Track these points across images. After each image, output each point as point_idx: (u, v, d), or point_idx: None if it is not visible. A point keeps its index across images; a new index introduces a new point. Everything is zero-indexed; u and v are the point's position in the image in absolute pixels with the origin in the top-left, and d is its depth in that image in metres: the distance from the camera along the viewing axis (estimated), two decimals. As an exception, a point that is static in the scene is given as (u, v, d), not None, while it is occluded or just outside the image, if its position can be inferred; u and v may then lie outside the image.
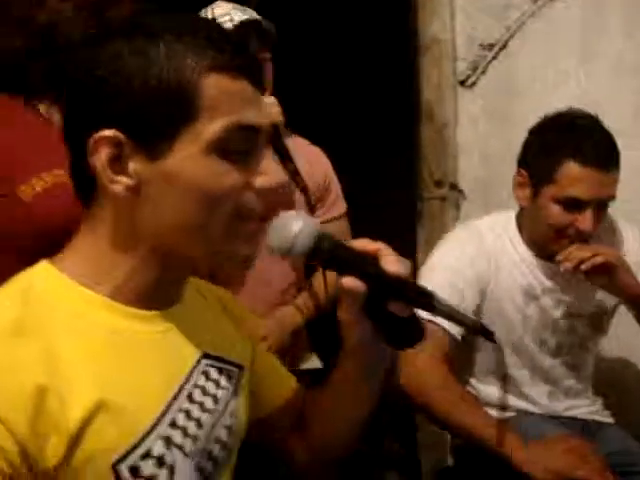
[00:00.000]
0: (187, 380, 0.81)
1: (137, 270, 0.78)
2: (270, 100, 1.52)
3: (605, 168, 1.50)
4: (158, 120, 0.72)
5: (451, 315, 0.79)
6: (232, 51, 0.74)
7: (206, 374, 0.84)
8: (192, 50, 0.73)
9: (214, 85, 0.73)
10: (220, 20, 1.53)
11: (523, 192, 1.61)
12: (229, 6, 1.57)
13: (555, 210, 1.54)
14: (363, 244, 0.79)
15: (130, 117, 0.73)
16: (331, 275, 1.52)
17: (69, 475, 0.70)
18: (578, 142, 1.51)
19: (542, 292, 1.64)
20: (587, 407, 1.73)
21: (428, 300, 0.78)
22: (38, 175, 1.05)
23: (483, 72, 2.32)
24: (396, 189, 2.60)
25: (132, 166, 0.74)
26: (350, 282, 0.77)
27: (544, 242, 1.60)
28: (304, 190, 1.57)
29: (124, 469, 0.73)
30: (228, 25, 1.52)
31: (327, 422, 0.97)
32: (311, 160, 1.69)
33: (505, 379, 1.65)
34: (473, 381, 1.70)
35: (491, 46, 2.28)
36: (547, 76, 2.17)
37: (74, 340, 0.73)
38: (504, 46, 2.25)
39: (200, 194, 0.74)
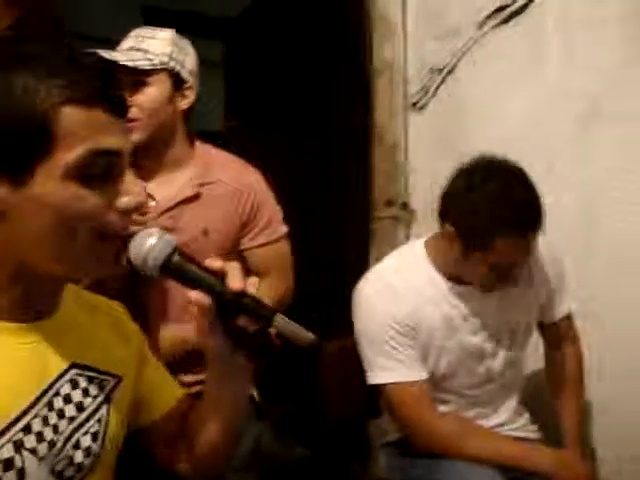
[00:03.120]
0: (49, 388, 0.87)
1: (4, 287, 0.84)
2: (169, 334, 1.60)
3: (534, 231, 1.54)
4: (18, 151, 0.78)
5: (292, 331, 0.85)
6: (86, 82, 0.79)
7: (74, 382, 0.90)
8: (46, 83, 0.78)
9: (68, 116, 0.78)
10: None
11: (451, 245, 1.59)
12: (133, 34, 1.62)
13: (485, 270, 1.57)
14: (211, 262, 0.85)
15: None
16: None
17: None
18: (513, 214, 1.50)
19: (463, 319, 1.66)
20: (515, 423, 1.77)
21: (267, 315, 0.84)
22: None
23: (433, 95, 2.39)
24: (351, 209, 2.65)
25: None
26: (195, 296, 0.84)
27: (461, 273, 1.64)
28: None
29: None
30: (108, 54, 1.52)
31: (201, 431, 1.01)
32: (237, 186, 1.70)
33: None
34: None
35: (440, 70, 2.34)
36: (493, 100, 2.23)
37: None
38: (452, 70, 2.32)
39: (61, 218, 0.80)
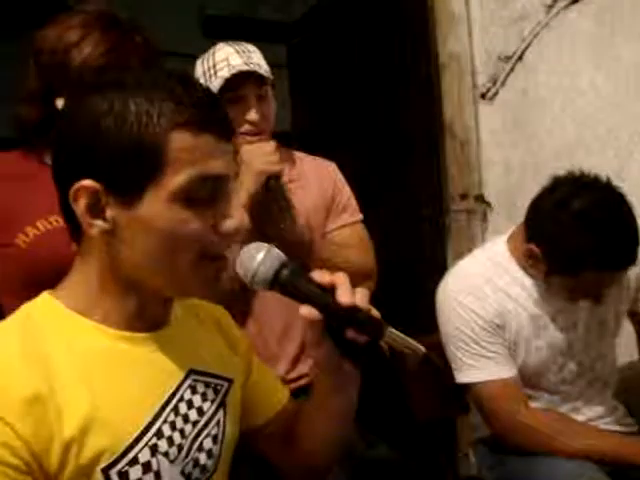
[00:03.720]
0: (174, 394, 0.91)
1: (120, 299, 0.88)
2: (268, 149, 1.54)
3: (625, 268, 1.48)
4: (129, 173, 0.81)
5: (402, 344, 0.86)
6: (195, 107, 0.82)
7: (193, 388, 0.94)
8: (159, 108, 0.81)
9: (178, 140, 0.81)
10: (219, 65, 1.57)
11: (536, 265, 1.55)
12: (230, 50, 1.59)
13: (565, 292, 1.55)
14: (321, 276, 0.86)
15: (105, 170, 0.82)
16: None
17: None
18: (602, 249, 1.42)
19: (551, 318, 1.62)
20: (610, 417, 1.71)
21: (379, 329, 0.85)
22: (33, 223, 1.22)
23: (503, 84, 2.35)
24: (423, 204, 2.62)
25: (109, 212, 0.83)
26: (305, 311, 0.85)
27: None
28: (297, 239, 1.55)
29: (113, 474, 0.82)
30: (225, 72, 1.55)
31: (308, 437, 1.03)
32: (318, 174, 1.71)
33: None
34: None
35: (508, 58, 2.30)
36: (565, 85, 2.18)
37: (68, 361, 0.83)
38: (521, 57, 2.27)
39: (166, 239, 0.83)
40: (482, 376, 1.60)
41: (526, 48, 2.26)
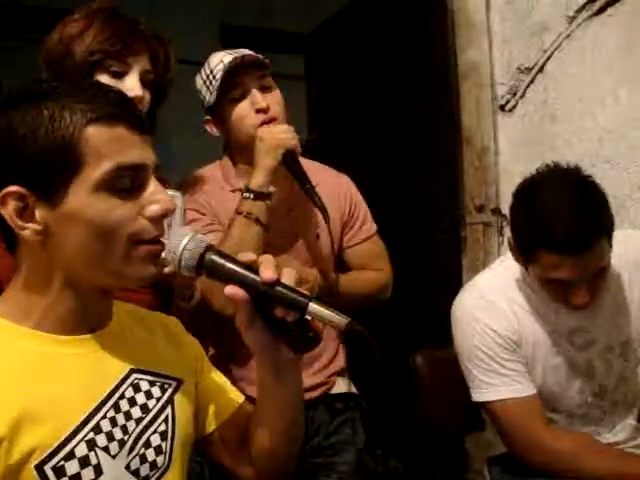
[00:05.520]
0: (113, 392, 0.94)
1: (54, 303, 0.92)
2: (284, 127, 1.57)
3: (581, 252, 1.37)
4: (51, 173, 0.86)
5: (327, 318, 0.86)
6: (105, 104, 0.88)
7: (136, 386, 0.97)
8: (70, 110, 0.87)
9: (93, 135, 0.87)
10: (216, 69, 1.58)
11: (517, 258, 1.52)
12: (222, 53, 1.61)
13: (546, 286, 1.48)
14: (245, 255, 0.91)
15: (28, 173, 0.86)
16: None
17: None
18: (547, 227, 1.37)
19: (569, 334, 1.57)
20: (634, 441, 1.65)
21: (301, 303, 0.86)
22: None
23: (522, 96, 2.32)
24: (437, 214, 2.59)
25: (38, 213, 0.87)
26: (230, 290, 0.88)
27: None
28: (321, 209, 1.57)
29: (48, 470, 0.85)
30: (221, 71, 1.56)
31: (259, 432, 1.04)
32: (334, 187, 1.71)
33: None
34: None
35: (529, 69, 2.27)
36: (587, 97, 2.14)
37: (1, 368, 0.87)
38: (541, 69, 2.24)
39: (96, 228, 0.87)
40: (500, 394, 1.55)
41: (547, 59, 2.23)
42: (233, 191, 1.63)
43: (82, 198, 0.86)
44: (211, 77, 1.59)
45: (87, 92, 0.89)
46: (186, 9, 4.00)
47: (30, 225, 0.87)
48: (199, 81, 1.63)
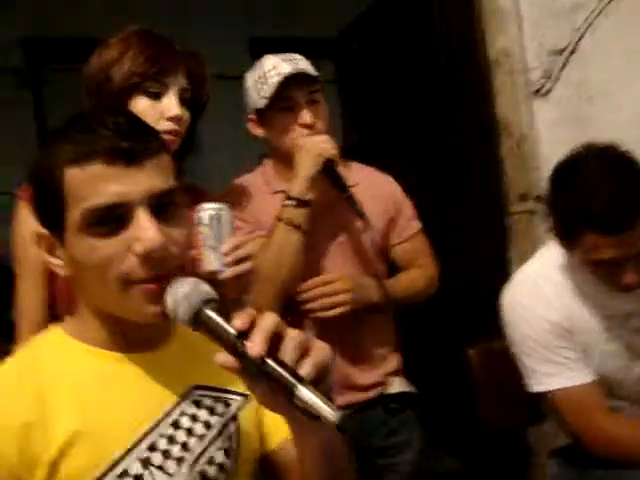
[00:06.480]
0: (172, 410, 0.93)
1: (102, 324, 0.94)
2: (324, 137, 1.59)
3: (623, 230, 1.34)
4: (51, 216, 0.90)
5: (313, 407, 0.73)
6: (80, 142, 0.87)
7: (198, 403, 0.96)
8: (55, 154, 0.88)
9: (69, 177, 0.87)
10: (269, 74, 1.59)
11: (560, 242, 1.47)
12: (277, 59, 1.62)
13: (592, 268, 1.43)
14: (239, 321, 0.78)
15: (42, 216, 0.92)
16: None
17: None
18: (587, 207, 1.34)
19: (624, 319, 1.52)
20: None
21: (291, 385, 0.74)
22: None
23: (557, 79, 2.27)
24: (480, 205, 2.55)
25: (58, 252, 0.92)
26: (220, 358, 0.78)
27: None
28: (362, 217, 1.59)
29: None
30: (275, 79, 1.57)
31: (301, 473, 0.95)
32: (377, 188, 1.72)
33: None
34: None
35: (561, 51, 2.22)
36: (622, 75, 2.09)
37: (60, 381, 0.89)
38: (574, 50, 2.19)
39: (87, 270, 0.89)
40: (556, 383, 1.51)
41: (579, 39, 2.18)
42: (274, 193, 1.66)
43: (72, 239, 0.88)
44: (263, 80, 1.61)
45: (70, 130, 0.89)
46: (215, 24, 4.04)
47: (56, 261, 0.93)
48: (249, 81, 1.65)
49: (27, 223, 1.37)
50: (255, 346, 0.75)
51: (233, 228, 1.33)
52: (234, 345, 0.77)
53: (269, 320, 0.78)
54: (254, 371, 0.76)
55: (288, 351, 0.77)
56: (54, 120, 3.84)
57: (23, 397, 0.87)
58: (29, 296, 1.38)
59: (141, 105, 1.33)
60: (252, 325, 0.78)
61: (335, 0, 3.63)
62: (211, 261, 1.27)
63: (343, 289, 1.59)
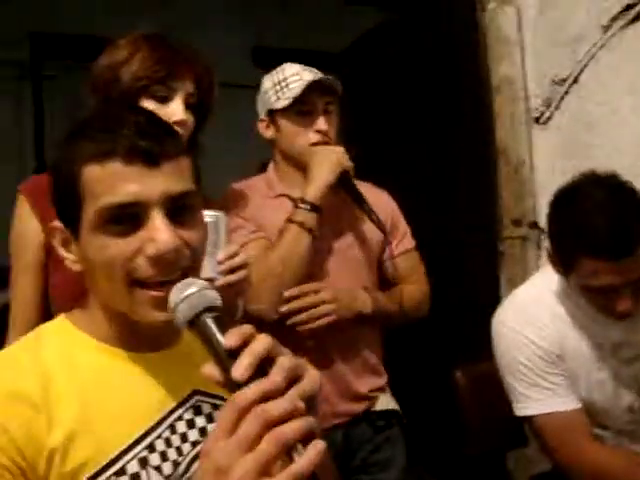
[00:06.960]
0: (172, 412, 0.93)
1: (112, 321, 0.94)
2: (340, 149, 1.64)
3: (621, 257, 1.34)
4: (67, 212, 0.91)
5: None
6: (101, 139, 0.87)
7: (197, 409, 0.95)
8: (74, 150, 0.89)
9: (87, 174, 0.87)
10: (291, 78, 1.64)
11: (557, 268, 1.50)
12: (299, 67, 1.67)
13: (587, 295, 1.45)
14: (232, 337, 0.75)
15: (59, 211, 0.93)
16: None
17: None
18: (586, 233, 1.36)
19: (614, 348, 1.53)
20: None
21: None
22: None
23: (557, 108, 2.29)
24: (473, 229, 2.57)
25: (72, 247, 0.93)
26: (207, 369, 0.76)
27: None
28: (380, 227, 1.64)
29: None
30: (298, 84, 1.61)
31: None
32: (375, 203, 1.73)
33: None
34: None
35: (563, 81, 2.25)
36: (622, 108, 2.11)
37: (66, 374, 0.89)
38: (576, 80, 2.22)
39: (97, 268, 0.89)
40: (543, 408, 1.52)
41: (581, 70, 2.20)
42: (276, 197, 1.69)
43: (85, 236, 0.88)
44: (284, 84, 1.65)
45: (91, 128, 0.90)
46: (219, 32, 4.06)
47: (69, 256, 0.93)
48: (268, 83, 1.69)
49: (26, 219, 1.37)
50: (240, 369, 0.73)
51: (229, 235, 1.35)
52: (222, 360, 0.76)
53: (261, 344, 0.75)
54: (235, 390, 0.74)
55: (273, 383, 0.72)
56: (51, 114, 3.88)
57: (32, 379, 0.87)
58: (24, 292, 1.38)
59: (148, 108, 1.35)
60: (245, 344, 0.75)
61: (337, 17, 3.66)
62: (206, 268, 1.27)
63: (328, 299, 1.60)
